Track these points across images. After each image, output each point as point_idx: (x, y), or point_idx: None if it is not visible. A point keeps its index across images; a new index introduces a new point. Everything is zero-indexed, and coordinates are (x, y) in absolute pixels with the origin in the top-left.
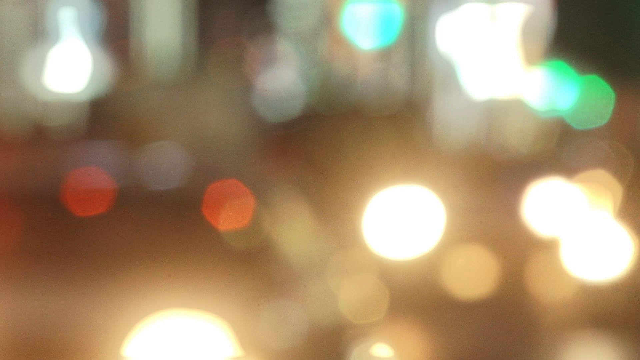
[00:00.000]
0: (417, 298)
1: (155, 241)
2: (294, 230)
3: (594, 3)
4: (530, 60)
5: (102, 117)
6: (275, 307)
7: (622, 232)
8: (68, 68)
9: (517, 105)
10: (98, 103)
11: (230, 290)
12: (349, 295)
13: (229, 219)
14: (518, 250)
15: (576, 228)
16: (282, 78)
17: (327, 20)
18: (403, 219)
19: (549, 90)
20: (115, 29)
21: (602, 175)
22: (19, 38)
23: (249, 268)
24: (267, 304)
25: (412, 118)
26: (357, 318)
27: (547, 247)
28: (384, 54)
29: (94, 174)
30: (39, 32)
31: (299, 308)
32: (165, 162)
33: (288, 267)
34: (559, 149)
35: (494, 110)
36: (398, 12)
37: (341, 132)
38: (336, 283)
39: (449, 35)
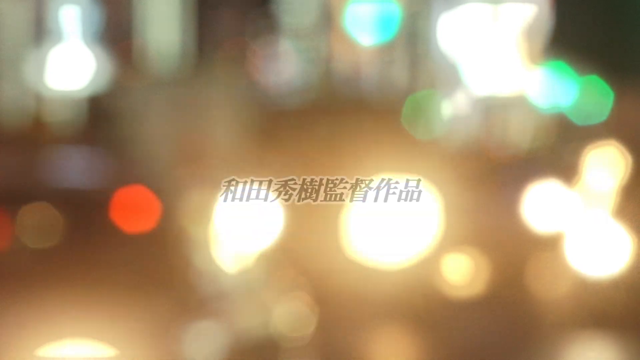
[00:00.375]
0: (415, 298)
1: (71, 252)
2: (224, 246)
3: (594, 3)
4: (530, 58)
5: (101, 115)
6: (197, 325)
7: (621, 230)
8: (69, 66)
9: (517, 103)
10: (98, 101)
11: (147, 309)
12: (280, 311)
13: (162, 229)
14: (517, 248)
15: (576, 225)
16: (283, 75)
17: (329, 18)
18: (400, 217)
19: (549, 90)
20: (116, 26)
21: (602, 173)
22: (20, 35)
23: (171, 284)
24: (189, 321)
25: (413, 114)
26: (287, 333)
27: (547, 245)
28: (386, 51)
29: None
30: (40, 30)
31: (223, 325)
32: (83, 164)
33: (215, 282)
34: (559, 146)
35: (494, 108)
36: (399, 9)
37: (342, 128)
38: (267, 298)
39: (449, 32)
